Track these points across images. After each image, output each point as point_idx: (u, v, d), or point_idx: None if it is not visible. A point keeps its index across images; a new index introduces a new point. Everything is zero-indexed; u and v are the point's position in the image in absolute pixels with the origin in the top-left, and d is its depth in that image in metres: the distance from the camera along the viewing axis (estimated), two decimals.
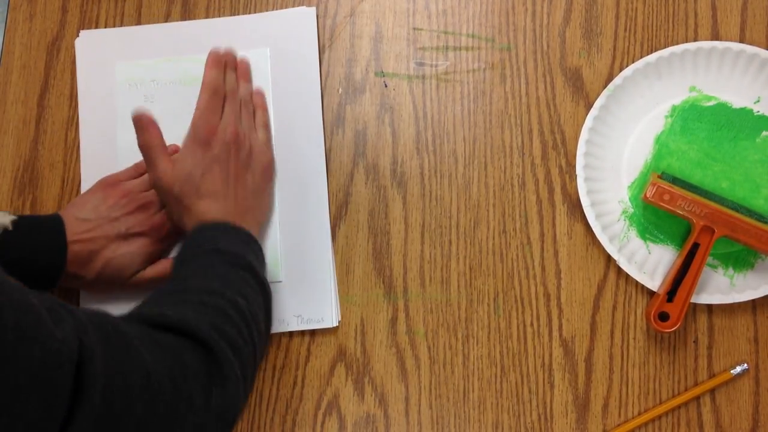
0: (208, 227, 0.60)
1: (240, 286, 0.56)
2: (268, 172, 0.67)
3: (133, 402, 0.41)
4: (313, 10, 0.73)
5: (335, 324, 0.68)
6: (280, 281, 0.68)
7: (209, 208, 0.61)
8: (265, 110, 0.70)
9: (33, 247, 0.60)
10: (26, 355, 0.34)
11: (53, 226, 0.62)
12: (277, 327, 0.68)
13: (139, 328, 0.47)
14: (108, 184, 0.67)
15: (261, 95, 0.71)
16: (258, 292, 0.58)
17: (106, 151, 0.72)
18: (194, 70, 0.72)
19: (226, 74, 0.68)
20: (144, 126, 0.63)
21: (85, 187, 0.71)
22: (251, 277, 0.58)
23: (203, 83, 0.65)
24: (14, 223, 0.58)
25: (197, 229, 0.60)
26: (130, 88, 0.73)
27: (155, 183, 0.64)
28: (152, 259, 0.67)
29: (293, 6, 0.74)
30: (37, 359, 0.35)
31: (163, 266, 0.66)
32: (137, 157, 0.69)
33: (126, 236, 0.64)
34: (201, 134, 0.63)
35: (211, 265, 0.57)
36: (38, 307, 0.37)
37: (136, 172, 0.69)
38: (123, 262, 0.64)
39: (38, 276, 0.60)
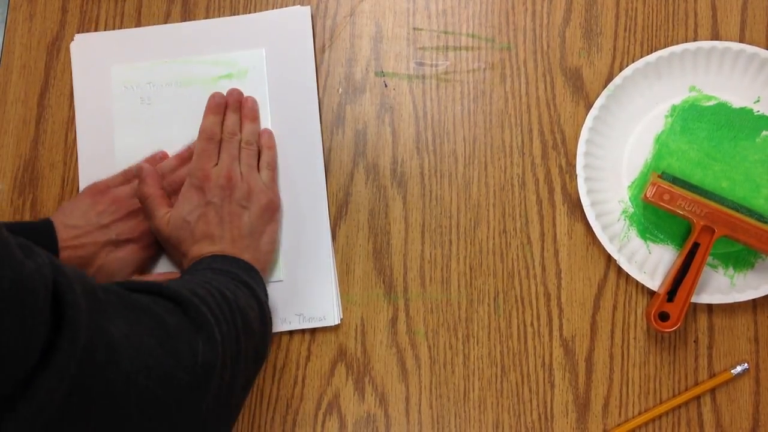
0: (204, 258, 0.60)
1: (228, 285, 0.55)
2: (267, 212, 0.66)
3: (120, 357, 0.40)
4: (307, 9, 0.73)
5: (337, 322, 0.68)
6: (281, 280, 0.68)
7: (204, 250, 0.61)
8: (271, 149, 0.69)
9: None
10: None
11: (45, 232, 0.61)
12: (279, 326, 0.68)
13: (114, 291, 0.45)
14: (96, 190, 0.67)
15: (269, 135, 0.70)
16: (251, 297, 0.57)
17: (103, 154, 0.72)
18: (190, 71, 0.73)
19: (227, 116, 0.69)
20: (143, 178, 0.65)
21: None
22: (244, 287, 0.57)
23: (200, 129, 0.67)
24: None
25: (194, 262, 0.60)
26: (126, 91, 0.73)
27: (154, 231, 0.65)
28: (143, 265, 0.67)
29: (294, 6, 0.74)
30: (7, 280, 0.34)
31: (154, 279, 0.66)
32: (134, 159, 0.69)
33: (116, 243, 0.64)
34: (195, 181, 0.64)
35: (203, 276, 0.57)
36: (6, 237, 0.36)
37: (124, 178, 0.68)
38: (114, 269, 0.64)
39: None
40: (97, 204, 0.65)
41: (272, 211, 0.67)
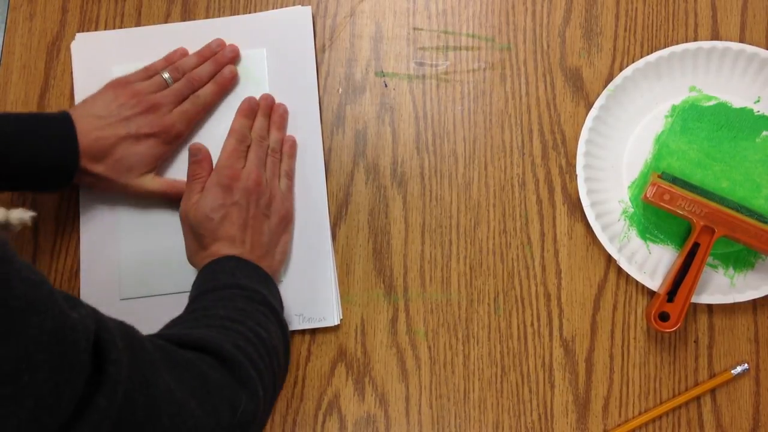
0: (225, 259, 0.61)
1: (260, 319, 0.56)
2: (284, 221, 0.67)
3: (159, 413, 0.41)
4: (308, 9, 0.73)
5: (337, 322, 0.68)
6: (281, 281, 0.68)
7: (224, 251, 0.62)
8: (291, 158, 0.70)
9: (44, 143, 0.61)
10: (35, 324, 0.33)
11: (62, 121, 0.62)
12: None
13: (160, 346, 0.46)
14: (118, 84, 0.67)
15: (291, 143, 0.70)
16: (277, 327, 0.58)
17: None
18: None
19: (258, 119, 0.69)
20: (200, 159, 0.66)
21: (83, 193, 0.71)
22: (271, 314, 0.58)
23: (231, 129, 0.67)
24: (33, 218, 0.60)
25: (214, 261, 0.61)
26: None
27: (182, 214, 0.65)
28: (160, 160, 0.68)
29: (294, 6, 0.74)
30: (48, 331, 0.33)
31: (168, 183, 0.68)
32: None
33: (137, 137, 0.65)
34: (224, 179, 0.64)
35: (231, 298, 0.57)
36: (50, 287, 0.36)
37: (145, 74, 0.69)
38: (132, 162, 0.65)
39: (52, 173, 0.61)
40: (118, 97, 0.65)
41: (288, 221, 0.68)
